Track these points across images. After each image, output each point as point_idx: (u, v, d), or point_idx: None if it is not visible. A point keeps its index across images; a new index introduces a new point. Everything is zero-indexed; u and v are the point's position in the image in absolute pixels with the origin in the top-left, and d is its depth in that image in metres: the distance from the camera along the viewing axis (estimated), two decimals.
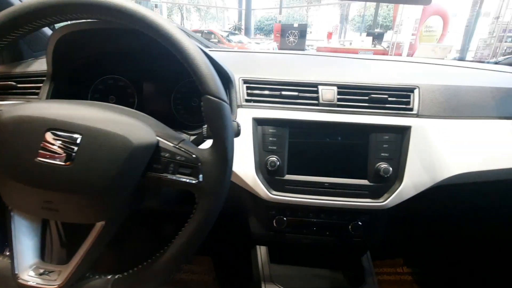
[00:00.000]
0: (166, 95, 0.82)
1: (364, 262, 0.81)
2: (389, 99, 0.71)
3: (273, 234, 0.77)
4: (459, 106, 0.72)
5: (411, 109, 0.71)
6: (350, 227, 0.73)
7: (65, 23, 0.53)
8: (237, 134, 0.56)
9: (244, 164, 0.69)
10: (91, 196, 0.42)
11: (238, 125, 0.57)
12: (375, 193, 0.69)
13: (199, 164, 0.45)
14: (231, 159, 0.45)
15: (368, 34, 9.40)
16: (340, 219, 0.74)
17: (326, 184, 0.70)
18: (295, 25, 10.54)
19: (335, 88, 0.72)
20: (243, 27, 14.59)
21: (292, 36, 10.19)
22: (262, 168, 0.70)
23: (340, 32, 17.02)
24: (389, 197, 0.68)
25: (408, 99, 0.72)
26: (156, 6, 12.58)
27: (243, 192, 0.72)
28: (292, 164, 0.71)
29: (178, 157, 0.45)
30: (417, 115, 0.70)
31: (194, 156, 0.45)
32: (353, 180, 0.70)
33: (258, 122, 0.71)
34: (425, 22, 9.44)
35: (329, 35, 12.02)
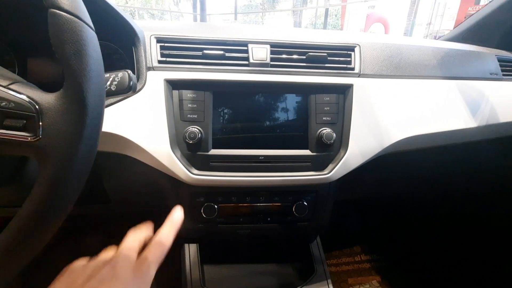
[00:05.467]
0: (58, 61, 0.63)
1: (314, 249, 0.70)
2: (329, 58, 0.62)
3: (203, 227, 0.62)
4: (401, 64, 0.66)
5: (353, 68, 0.62)
6: (293, 208, 0.62)
7: None
8: (129, 89, 0.42)
9: (155, 138, 0.54)
10: None
11: (130, 77, 0.42)
12: (319, 164, 0.59)
13: (38, 112, 0.29)
14: (92, 104, 0.30)
15: None
16: (282, 200, 0.62)
17: (261, 158, 0.58)
18: None
19: (267, 46, 0.60)
20: None
21: None
22: (180, 142, 0.55)
23: None
24: (334, 168, 0.58)
25: (349, 58, 0.63)
26: None
27: (161, 176, 0.57)
28: (219, 135, 0.57)
29: (3, 103, 0.29)
30: (359, 75, 0.62)
31: (29, 100, 0.29)
32: (293, 151, 0.59)
33: (173, 85, 0.56)
34: (369, 28, 10.20)
35: None
